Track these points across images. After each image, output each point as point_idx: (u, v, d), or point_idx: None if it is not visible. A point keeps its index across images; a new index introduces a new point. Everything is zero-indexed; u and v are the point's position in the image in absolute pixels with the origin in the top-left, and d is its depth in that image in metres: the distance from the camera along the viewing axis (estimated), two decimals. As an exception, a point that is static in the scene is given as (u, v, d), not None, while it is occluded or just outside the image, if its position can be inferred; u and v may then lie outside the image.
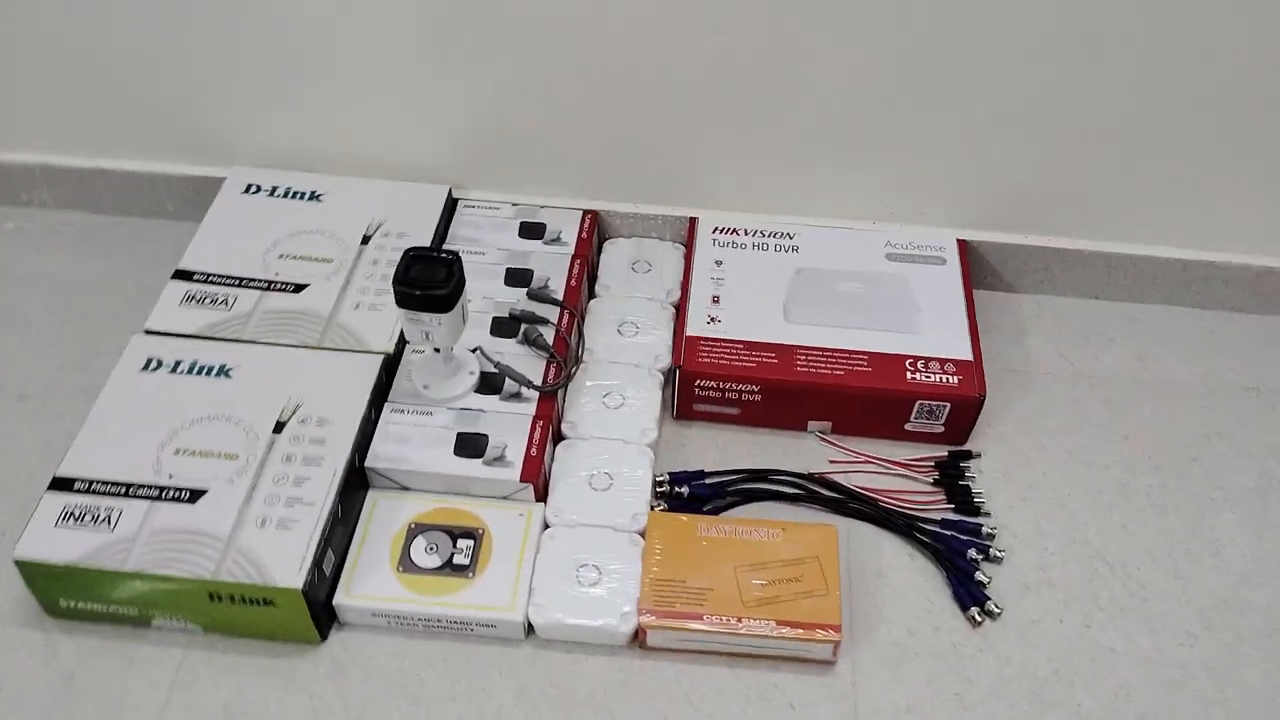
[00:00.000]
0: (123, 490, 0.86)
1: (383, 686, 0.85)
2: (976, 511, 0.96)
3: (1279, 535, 0.95)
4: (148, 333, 0.98)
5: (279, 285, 1.02)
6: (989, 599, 0.90)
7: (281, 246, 1.06)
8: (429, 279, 0.86)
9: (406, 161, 1.13)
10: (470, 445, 0.92)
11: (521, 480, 0.90)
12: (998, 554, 0.93)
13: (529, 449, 0.92)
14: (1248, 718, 0.84)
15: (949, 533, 0.94)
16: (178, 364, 0.95)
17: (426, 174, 1.13)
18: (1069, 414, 1.05)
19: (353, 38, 1.03)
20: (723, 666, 0.86)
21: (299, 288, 1.02)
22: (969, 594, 0.90)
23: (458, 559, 0.88)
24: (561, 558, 0.88)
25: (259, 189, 1.12)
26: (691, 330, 1.01)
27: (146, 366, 0.95)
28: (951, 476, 0.99)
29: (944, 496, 0.98)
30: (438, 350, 0.94)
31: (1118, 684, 0.86)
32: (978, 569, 0.91)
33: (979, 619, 0.89)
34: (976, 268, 1.13)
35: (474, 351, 0.98)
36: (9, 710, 0.82)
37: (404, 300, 0.87)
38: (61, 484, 0.87)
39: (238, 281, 1.02)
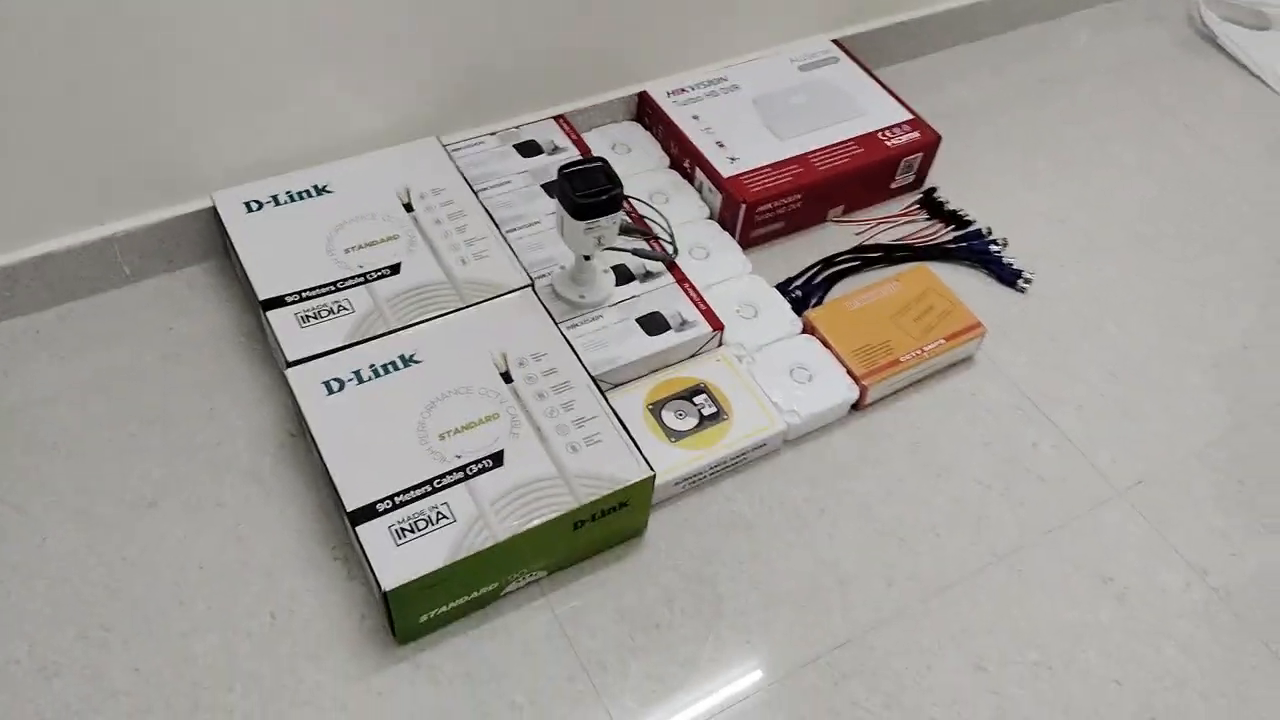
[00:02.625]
0: (426, 490, 0.86)
1: (716, 536, 0.95)
2: (968, 224, 1.25)
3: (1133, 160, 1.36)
4: (291, 365, 0.93)
5: (375, 274, 1.00)
6: (1021, 270, 1.20)
7: (336, 243, 1.03)
8: (598, 185, 0.93)
9: (382, 127, 1.12)
10: (655, 323, 1.02)
11: (713, 330, 1.03)
12: (1000, 241, 1.23)
13: (698, 305, 1.04)
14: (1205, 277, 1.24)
15: (965, 244, 1.23)
16: (357, 373, 0.92)
17: (408, 132, 1.13)
18: (965, 139, 1.36)
19: (278, 30, 0.99)
20: (915, 394, 1.08)
21: (394, 269, 1.01)
22: (1010, 273, 1.20)
23: (706, 410, 0.99)
24: (772, 373, 1.03)
25: (259, 204, 1.05)
26: (727, 173, 1.17)
27: (331, 391, 0.91)
28: (937, 208, 1.27)
29: (941, 224, 1.25)
30: (587, 258, 1.01)
31: (1128, 292, 1.21)
32: (1000, 255, 1.21)
33: (1024, 286, 1.19)
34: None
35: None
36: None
37: (585, 212, 0.93)
38: (361, 515, 0.84)
39: (333, 286, 0.99)
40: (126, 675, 0.82)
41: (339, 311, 0.97)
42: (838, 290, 1.17)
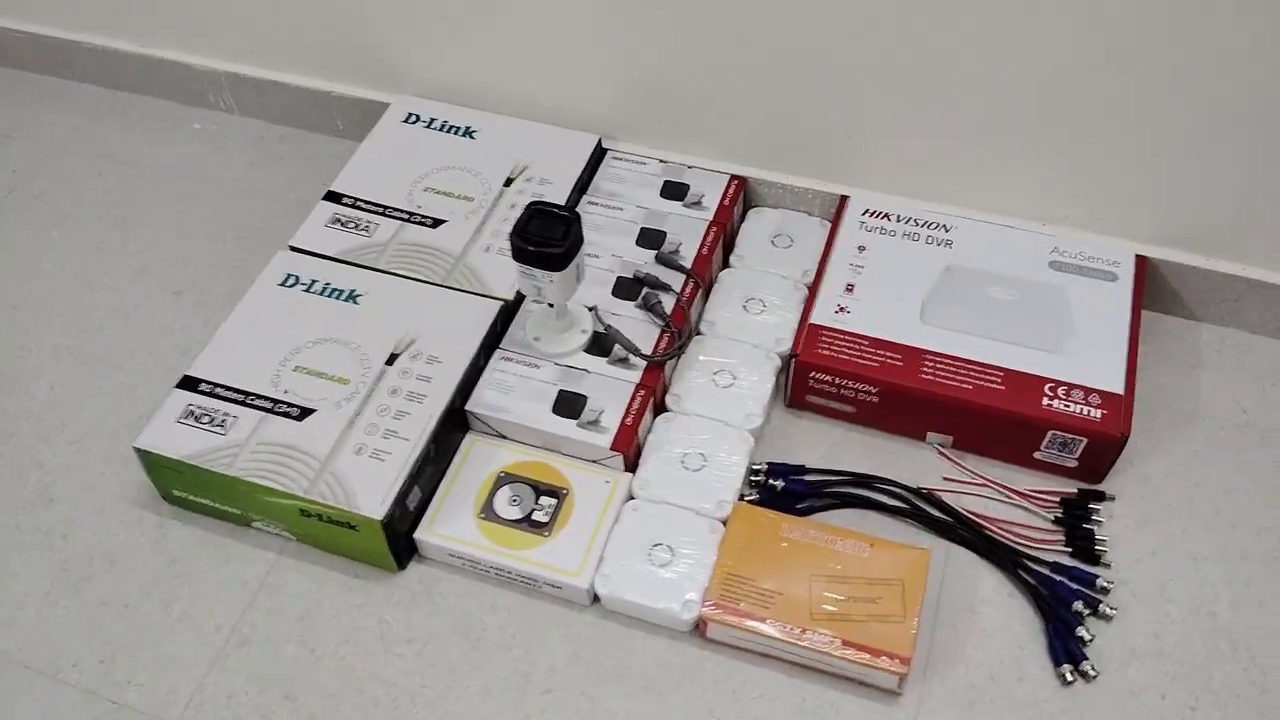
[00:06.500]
0: (241, 398, 0.91)
1: (447, 624, 0.87)
2: (1096, 560, 0.88)
3: None
4: (292, 249, 1.03)
5: (419, 218, 1.04)
6: (1087, 659, 0.82)
7: (429, 180, 1.08)
8: (546, 235, 0.86)
9: (562, 105, 1.12)
10: (568, 405, 0.92)
11: (612, 449, 0.89)
12: (1109, 611, 0.84)
13: (625, 417, 0.91)
14: None
15: (1059, 578, 0.87)
16: (313, 283, 0.99)
17: (580, 120, 1.12)
18: (1229, 467, 0.93)
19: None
20: (780, 673, 0.83)
21: (436, 223, 1.04)
22: (1065, 649, 0.82)
23: (537, 515, 0.89)
24: (638, 533, 0.87)
25: (418, 119, 1.14)
26: (817, 318, 0.96)
27: (285, 282, 0.99)
28: (1076, 516, 0.90)
29: (1063, 537, 0.89)
30: (551, 305, 0.93)
31: (1218, 780, 0.77)
32: (1082, 624, 0.84)
33: (1070, 678, 0.81)
34: (1155, 287, 1.02)
35: (591, 310, 0.97)
36: (115, 580, 0.90)
37: (519, 254, 0.87)
38: (189, 383, 0.92)
39: (382, 210, 1.05)
40: (47, 391, 1.03)
41: (359, 230, 1.03)
42: (842, 516, 0.92)
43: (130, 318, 1.09)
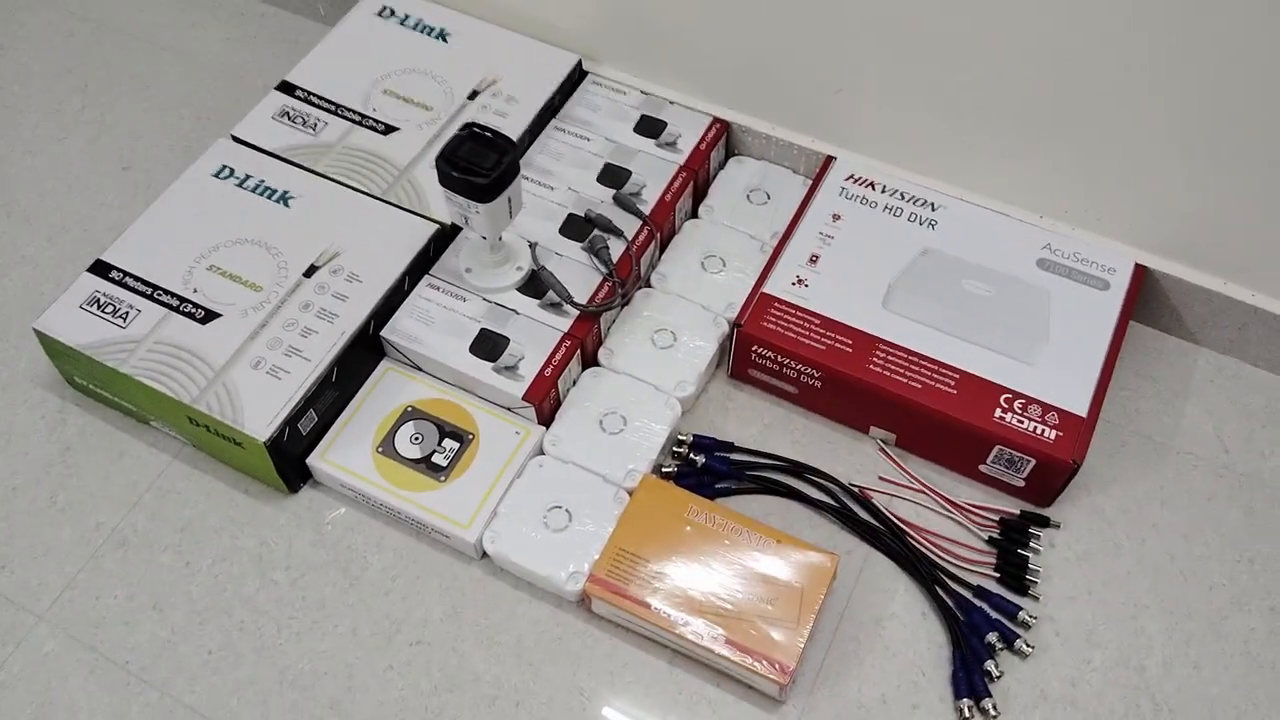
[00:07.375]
0: (149, 292, 0.86)
1: (328, 557, 0.83)
2: (1024, 590, 0.81)
3: (1399, 749, 0.75)
4: (233, 139, 0.97)
5: (370, 122, 0.97)
6: (990, 696, 0.76)
7: (390, 81, 1.00)
8: (475, 163, 0.79)
9: (545, 17, 1.03)
10: (488, 345, 0.86)
11: (524, 399, 0.84)
12: (1025, 648, 0.78)
13: (544, 368, 0.85)
14: None
15: (979, 604, 0.80)
16: (247, 178, 0.93)
17: (563, 36, 1.04)
18: (1194, 511, 0.85)
19: None
20: (662, 660, 0.78)
21: (388, 130, 0.97)
22: (968, 682, 0.77)
23: (437, 458, 0.84)
24: (538, 492, 0.82)
25: (392, 13, 1.06)
26: (770, 288, 0.89)
27: (219, 173, 0.94)
28: (1013, 539, 0.83)
29: (994, 560, 0.83)
30: (484, 237, 0.86)
31: (1103, 846, 0.72)
32: (993, 657, 0.77)
33: (968, 714, 0.76)
34: (1153, 301, 0.93)
35: (532, 246, 0.91)
36: (6, 460, 0.87)
37: (444, 179, 0.80)
38: (101, 268, 0.88)
39: (334, 108, 0.98)
40: (-26, 252, 1.00)
41: (306, 126, 0.97)
42: (760, 503, 0.86)
43: (72, 188, 1.04)
